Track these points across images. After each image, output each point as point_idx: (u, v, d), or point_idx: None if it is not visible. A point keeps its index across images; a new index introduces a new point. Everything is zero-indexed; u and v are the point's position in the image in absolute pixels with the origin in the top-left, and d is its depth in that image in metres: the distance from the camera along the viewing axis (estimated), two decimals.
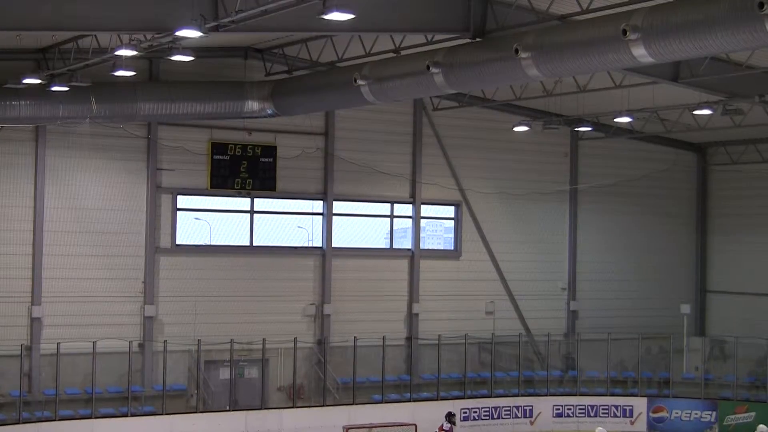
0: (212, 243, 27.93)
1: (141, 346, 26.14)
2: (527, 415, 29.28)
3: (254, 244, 28.13)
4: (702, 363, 31.85)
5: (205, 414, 25.56)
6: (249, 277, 27.77)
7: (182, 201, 27.24)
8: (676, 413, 29.73)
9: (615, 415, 29.73)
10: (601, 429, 21.88)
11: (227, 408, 26.00)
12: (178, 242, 27.07)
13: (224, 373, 26.69)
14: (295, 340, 26.93)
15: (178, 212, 27.16)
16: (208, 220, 27.93)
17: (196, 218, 27.72)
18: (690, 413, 29.78)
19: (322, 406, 27.12)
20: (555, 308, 32.58)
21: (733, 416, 29.54)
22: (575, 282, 32.90)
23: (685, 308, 32.62)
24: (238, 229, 27.98)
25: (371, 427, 24.42)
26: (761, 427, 22.97)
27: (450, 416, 23.59)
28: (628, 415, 29.69)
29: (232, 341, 26.17)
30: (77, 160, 25.90)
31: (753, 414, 29.33)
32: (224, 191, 27.39)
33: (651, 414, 29.74)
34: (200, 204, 27.76)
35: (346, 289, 28.90)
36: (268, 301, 27.72)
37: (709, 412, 29.68)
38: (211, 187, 27.19)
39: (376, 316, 28.92)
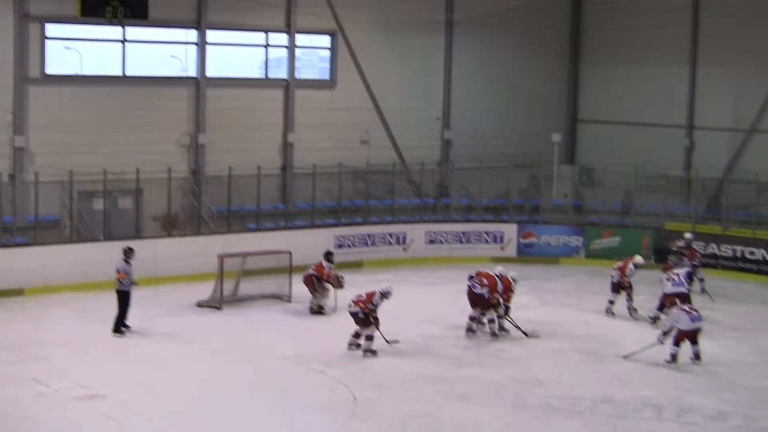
0: (84, 73, 27.39)
1: (11, 177, 25.79)
2: (400, 242, 29.84)
3: (127, 74, 27.60)
4: (571, 190, 32.68)
5: (78, 244, 25.49)
6: (122, 107, 27.32)
7: (51, 30, 26.44)
8: (545, 238, 30.59)
9: (486, 242, 30.47)
10: (501, 268, 22.26)
11: (101, 238, 25.92)
12: (47, 72, 26.43)
13: (98, 204, 26.53)
14: (170, 171, 26.77)
15: (47, 41, 26.42)
16: (79, 50, 27.34)
17: (67, 47, 27.09)
18: (558, 238, 30.67)
19: (197, 235, 27.20)
20: (429, 137, 32.89)
21: (599, 241, 30.51)
22: (450, 111, 33.19)
23: (556, 137, 33.21)
24: (111, 58, 27.40)
25: (246, 255, 24.56)
26: (638, 258, 23.77)
27: (328, 255, 23.78)
28: (498, 241, 30.43)
29: (105, 172, 25.95)
30: None
31: (618, 239, 30.34)
32: (95, 19, 26.59)
33: (521, 240, 30.52)
34: (70, 33, 27.02)
35: (221, 119, 28.68)
36: (142, 132, 27.38)
37: (577, 237, 30.60)
38: (82, 15, 26.38)
39: (251, 146, 28.84)
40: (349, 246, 28.77)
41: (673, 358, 19.78)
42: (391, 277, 27.20)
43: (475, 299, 21.69)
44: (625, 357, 20.19)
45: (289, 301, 24.22)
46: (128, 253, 21.37)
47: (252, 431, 16.00)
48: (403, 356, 20.03)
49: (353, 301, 20.25)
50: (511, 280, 22.07)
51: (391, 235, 29.72)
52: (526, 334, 21.81)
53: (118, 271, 21.10)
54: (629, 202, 31.19)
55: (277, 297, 24.44)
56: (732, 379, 19.16)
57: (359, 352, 20.03)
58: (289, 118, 30.01)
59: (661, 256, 28.83)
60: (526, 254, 30.28)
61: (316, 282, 23.39)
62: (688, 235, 26.45)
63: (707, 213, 31.14)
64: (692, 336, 19.81)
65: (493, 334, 21.57)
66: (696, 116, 32.73)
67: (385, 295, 20.24)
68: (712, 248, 28.89)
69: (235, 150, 28.45)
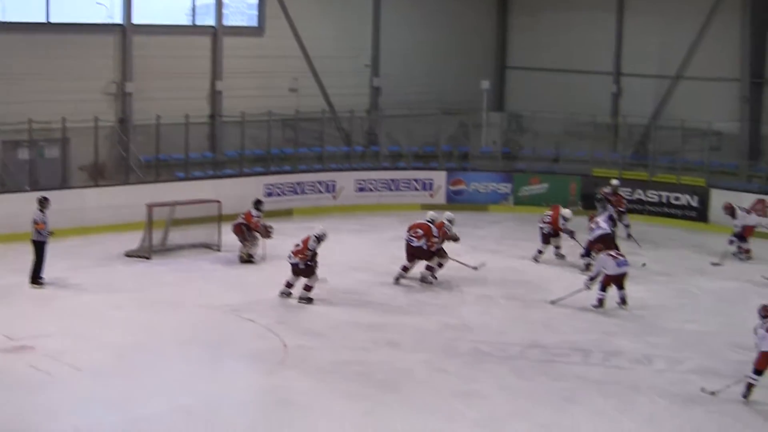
0: (6, 20, 26.88)
1: None
2: (330, 190, 29.80)
3: (51, 20, 27.14)
4: (499, 137, 32.86)
5: (4, 195, 25.06)
6: (46, 55, 26.81)
7: None
8: (474, 185, 30.74)
9: (415, 189, 30.55)
10: (433, 213, 22.32)
11: (27, 188, 25.55)
12: None
13: (23, 154, 26.16)
14: (96, 120, 26.44)
15: None
16: None
17: None
18: (487, 185, 30.83)
19: (125, 184, 26.94)
20: (358, 85, 32.77)
21: (527, 187, 30.74)
22: (378, 59, 33.09)
23: (485, 84, 33.30)
24: (34, 5, 26.91)
25: (175, 204, 24.40)
26: (565, 211, 23.93)
27: (258, 203, 23.70)
28: (427, 188, 30.52)
29: (30, 121, 25.56)
30: None
31: (546, 185, 30.59)
32: None
33: (450, 187, 30.65)
34: None
35: (148, 67, 28.27)
36: (67, 81, 26.86)
37: (506, 184, 30.79)
38: None
39: (178, 95, 28.46)
40: (278, 194, 28.70)
41: (600, 302, 20.06)
42: (321, 224, 27.34)
43: (413, 252, 21.75)
44: (553, 302, 20.44)
45: (219, 250, 24.14)
46: (44, 202, 20.91)
47: (182, 380, 15.95)
48: (333, 304, 20.10)
49: (292, 252, 20.16)
50: (445, 224, 22.15)
51: (320, 182, 29.68)
52: (475, 267, 22.13)
53: (36, 222, 20.64)
54: (557, 149, 31.41)
55: (206, 246, 24.35)
56: (657, 322, 19.50)
57: (291, 301, 20.03)
58: (217, 65, 29.73)
59: (589, 203, 29.16)
60: (456, 201, 30.40)
61: (246, 231, 23.33)
62: (614, 182, 26.76)
63: (634, 159, 31.45)
64: (618, 281, 20.09)
65: (423, 280, 21.71)
66: (623, 63, 32.98)
67: (320, 238, 20.16)
68: (639, 194, 29.26)
69: (163, 98, 28.05)
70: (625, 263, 20.15)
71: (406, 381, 16.03)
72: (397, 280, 21.76)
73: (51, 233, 20.85)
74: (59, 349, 16.94)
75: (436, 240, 21.73)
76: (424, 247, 21.59)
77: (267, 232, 23.34)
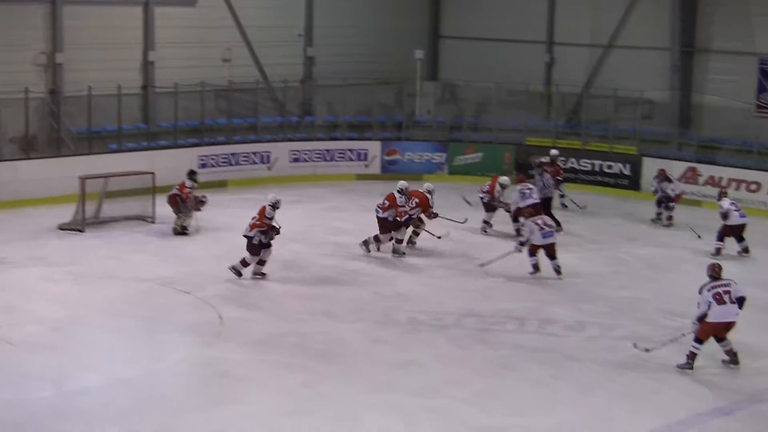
0: None
1: None
2: (265, 161, 29.70)
3: None
4: (434, 107, 32.92)
5: None
6: None
7: None
8: (409, 155, 30.80)
9: (350, 159, 30.55)
10: (403, 183, 22.24)
11: None
12: None
13: None
14: (27, 91, 26.09)
15: None
16: None
17: None
18: (422, 155, 30.91)
19: (57, 156, 26.67)
20: (292, 55, 32.61)
21: (461, 157, 30.86)
22: (312, 28, 32.92)
23: (419, 53, 33.33)
24: None
25: (108, 176, 24.18)
26: (502, 178, 24.03)
27: (192, 174, 23.56)
28: (362, 158, 30.53)
29: None
30: None
31: (480, 154, 30.74)
32: None
33: (385, 157, 30.68)
34: None
35: (79, 37, 27.87)
36: None
37: (440, 154, 30.89)
38: None
39: (110, 65, 28.11)
40: (213, 165, 28.55)
41: (535, 268, 20.27)
42: (256, 196, 27.15)
43: (380, 224, 21.77)
44: (482, 265, 20.60)
45: (153, 222, 23.99)
46: None
47: (118, 354, 15.84)
48: (270, 275, 20.05)
49: (250, 225, 19.70)
50: (425, 194, 22.41)
51: (254, 153, 29.54)
52: (439, 237, 22.39)
53: None
54: (491, 118, 31.52)
55: (140, 218, 24.18)
56: (590, 290, 19.70)
57: (228, 273, 19.89)
58: (149, 36, 29.36)
59: (523, 171, 29.31)
60: (390, 171, 30.42)
61: (180, 202, 23.19)
62: (553, 152, 26.88)
63: (567, 128, 31.72)
64: (547, 251, 20.26)
65: (395, 252, 21.79)
66: (556, 32, 33.17)
67: (274, 205, 19.79)
68: (572, 162, 29.50)
69: (95, 69, 27.70)
70: (551, 234, 20.29)
71: (344, 351, 16.07)
72: (365, 245, 21.85)
73: None
74: None
75: (404, 210, 21.73)
76: (390, 218, 21.59)
77: (197, 204, 23.19)
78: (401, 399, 14.17)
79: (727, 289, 15.22)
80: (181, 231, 23.14)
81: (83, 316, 17.47)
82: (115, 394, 14.21)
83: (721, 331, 15.31)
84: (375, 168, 30.52)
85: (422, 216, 22.25)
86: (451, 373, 15.27)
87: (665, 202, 25.06)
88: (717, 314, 15.12)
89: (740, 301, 15.22)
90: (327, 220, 24.60)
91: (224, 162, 28.85)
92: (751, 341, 16.34)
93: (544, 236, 20.19)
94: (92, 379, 14.70)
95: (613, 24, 31.52)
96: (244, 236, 19.60)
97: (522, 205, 22.94)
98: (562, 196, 26.42)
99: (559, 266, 20.29)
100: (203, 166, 27.99)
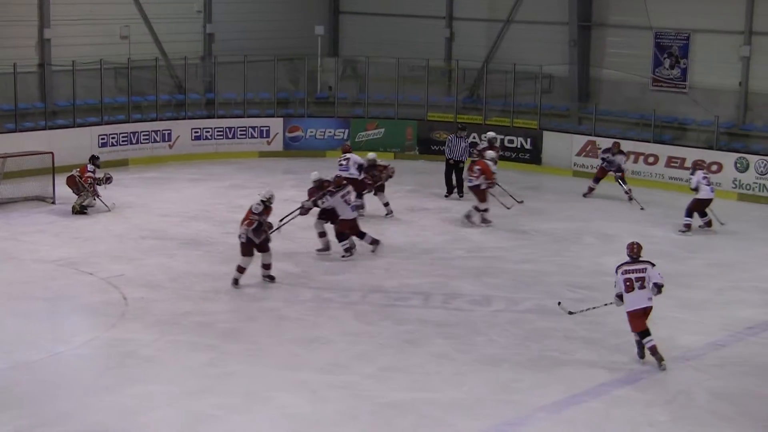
0: None
1: None
2: (166, 139, 29.40)
3: None
4: (335, 83, 32.89)
5: None
6: None
7: None
8: (311, 132, 30.74)
9: (252, 136, 30.40)
10: (373, 154, 22.59)
11: None
12: None
13: None
14: None
15: None
16: None
17: None
18: (324, 131, 30.88)
19: None
20: (191, 31, 32.37)
21: (364, 133, 30.89)
22: (211, 4, 32.66)
23: (320, 29, 33.28)
24: None
25: (6, 156, 23.79)
26: (370, 154, 23.96)
27: (94, 159, 23.28)
28: (265, 135, 30.41)
29: None
30: None
31: (382, 130, 30.82)
32: None
33: (287, 134, 30.59)
34: None
35: None
36: None
37: (342, 130, 30.87)
38: None
39: (5, 43, 27.64)
40: (113, 144, 28.20)
41: (349, 251, 20.07)
42: (158, 174, 27.17)
43: (475, 192, 22.69)
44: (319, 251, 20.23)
45: (53, 202, 23.64)
46: None
47: (20, 337, 15.62)
48: (172, 255, 19.93)
49: (241, 225, 18.00)
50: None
51: (155, 132, 29.23)
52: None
53: None
54: (392, 94, 31.59)
55: (40, 199, 23.82)
56: (495, 264, 19.88)
57: (128, 252, 19.71)
58: (44, 12, 28.84)
59: (425, 147, 29.58)
60: (293, 148, 30.40)
61: (79, 182, 22.92)
62: (491, 134, 26.16)
63: (468, 103, 31.95)
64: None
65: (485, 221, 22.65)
66: (455, 7, 33.35)
67: (267, 201, 17.93)
68: (474, 137, 29.61)
69: None
70: (355, 209, 20.18)
71: (249, 330, 16.05)
72: (468, 218, 22.69)
73: None
74: None
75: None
76: (482, 186, 22.52)
77: (95, 188, 22.92)
78: (308, 376, 14.20)
79: (640, 275, 14.61)
80: (80, 210, 22.83)
81: None
82: (18, 378, 14.01)
83: (644, 318, 14.75)
84: (277, 145, 30.43)
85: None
86: (357, 348, 15.31)
87: (619, 174, 25.12)
88: (628, 302, 14.72)
89: (657, 287, 14.63)
90: (230, 198, 24.44)
91: (125, 141, 28.50)
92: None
93: (352, 211, 19.95)
94: None
95: None
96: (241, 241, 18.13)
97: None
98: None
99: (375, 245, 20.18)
100: (103, 145, 27.67)
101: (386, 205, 23.53)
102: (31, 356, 14.76)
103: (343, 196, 19.69)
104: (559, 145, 28.54)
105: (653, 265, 14.75)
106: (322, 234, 20.18)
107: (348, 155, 23.16)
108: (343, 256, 19.70)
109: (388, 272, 19.19)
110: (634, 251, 14.87)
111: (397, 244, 20.98)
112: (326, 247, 20.20)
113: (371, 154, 23.75)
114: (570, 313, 15.95)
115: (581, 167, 27.99)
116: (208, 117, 30.47)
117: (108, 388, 13.71)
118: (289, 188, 24.25)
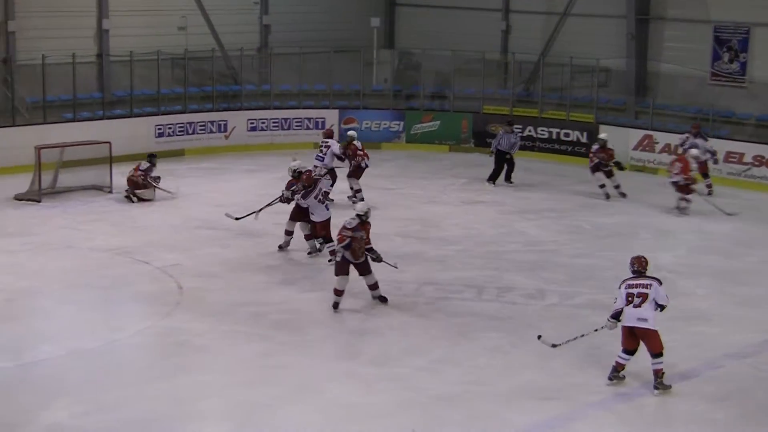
0: None
1: None
2: (222, 130, 29.59)
3: None
4: (391, 75, 32.90)
5: None
6: None
7: None
8: (366, 124, 30.76)
9: (308, 127, 30.50)
10: (353, 133, 23.10)
11: None
12: None
13: None
14: None
15: None
16: None
17: None
18: (380, 123, 30.90)
19: (12, 126, 26.39)
20: (248, 23, 32.54)
21: (419, 125, 30.88)
22: None
23: (375, 21, 33.29)
24: None
25: (64, 146, 24.03)
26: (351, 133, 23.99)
27: (151, 157, 23.54)
28: (320, 127, 30.41)
29: None
30: None
31: (437, 123, 30.79)
32: None
33: (342, 125, 30.61)
34: None
35: (32, 4, 27.69)
36: None
37: (398, 122, 30.89)
38: None
39: (64, 33, 27.96)
40: (169, 135, 28.43)
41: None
42: (213, 165, 27.32)
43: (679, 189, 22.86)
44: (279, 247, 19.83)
45: (110, 191, 23.86)
46: None
47: (75, 324, 15.82)
48: (227, 245, 20.04)
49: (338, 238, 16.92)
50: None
51: (212, 122, 29.44)
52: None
53: None
54: (448, 87, 31.55)
55: (97, 188, 24.05)
56: (549, 258, 19.78)
57: (185, 242, 19.81)
58: (103, 3, 29.14)
59: (480, 140, 29.49)
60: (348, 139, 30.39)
61: (138, 181, 23.28)
62: (603, 136, 25.44)
63: (523, 96, 31.82)
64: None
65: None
66: (512, 0, 33.20)
67: (362, 215, 16.53)
68: (529, 131, 29.57)
69: (48, 37, 27.50)
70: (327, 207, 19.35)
71: (303, 321, 16.08)
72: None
73: None
74: None
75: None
76: (681, 182, 22.78)
77: (149, 183, 23.21)
78: (361, 368, 14.23)
79: (643, 290, 13.55)
80: (133, 196, 23.10)
81: (40, 287, 17.38)
82: (73, 365, 14.17)
83: (644, 344, 13.67)
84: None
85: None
86: (409, 341, 15.31)
87: (711, 155, 24.76)
88: (626, 317, 13.67)
89: (660, 308, 13.59)
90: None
91: (181, 131, 28.71)
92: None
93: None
94: (50, 350, 14.62)
95: None
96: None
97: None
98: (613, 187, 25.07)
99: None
100: (160, 135, 27.93)
101: (358, 191, 23.20)
102: (87, 344, 14.91)
103: (316, 196, 18.98)
104: (615, 139, 28.19)
105: (660, 282, 13.65)
106: (289, 233, 19.81)
107: (329, 141, 23.24)
108: (329, 261, 17.75)
109: (442, 265, 19.18)
110: (642, 265, 13.88)
111: (452, 236, 20.96)
112: (286, 244, 19.83)
113: (351, 132, 23.95)
114: (553, 346, 14.41)
115: (638, 161, 27.78)
116: (264, 108, 30.58)
117: (161, 376, 13.82)
118: (345, 179, 24.22)
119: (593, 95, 29.80)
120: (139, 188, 23.23)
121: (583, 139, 28.97)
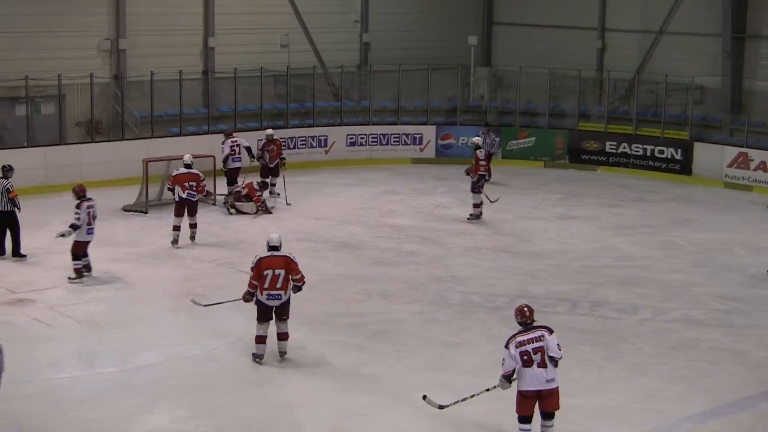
0: None
1: None
2: (322, 145, 30.26)
3: None
4: (487, 92, 33.25)
5: (2, 151, 25.23)
6: (41, 12, 27.08)
7: None
8: (463, 139, 31.11)
9: (405, 143, 31.01)
10: (271, 131, 24.08)
11: (25, 144, 25.89)
12: None
13: (20, 110, 26.38)
14: (92, 76, 26.64)
15: None
16: None
17: None
18: None
19: (121, 140, 27.32)
20: (348, 41, 33.23)
21: (515, 141, 31.18)
22: (368, 14, 33.44)
23: (473, 40, 33.62)
24: None
25: (170, 159, 24.72)
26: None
27: (263, 184, 24.44)
28: (417, 142, 30.97)
29: (26, 77, 25.66)
30: None
31: (533, 139, 31.08)
32: None
33: (439, 141, 31.08)
34: None
35: (141, 23, 28.67)
36: (62, 37, 27.20)
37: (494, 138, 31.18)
38: None
39: (172, 51, 28.89)
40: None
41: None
42: (313, 179, 27.85)
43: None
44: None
45: (214, 203, 24.52)
46: (8, 170, 19.90)
47: (177, 331, 16.31)
48: (325, 257, 20.49)
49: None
50: None
51: (312, 137, 30.09)
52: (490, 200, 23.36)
53: (9, 191, 19.73)
54: (543, 104, 31.81)
55: (201, 200, 24.67)
56: (642, 273, 19.93)
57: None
58: (209, 22, 30.01)
59: (575, 156, 29.72)
60: (444, 155, 30.88)
61: (244, 198, 23.94)
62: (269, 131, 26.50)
63: (618, 113, 31.93)
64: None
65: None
66: (607, 18, 33.40)
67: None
68: (624, 147, 29.72)
69: (157, 55, 28.47)
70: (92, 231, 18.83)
71: (399, 332, 16.39)
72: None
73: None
74: (59, 302, 17.32)
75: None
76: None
77: (264, 206, 24.01)
78: (454, 378, 14.47)
79: (537, 345, 12.02)
80: (233, 208, 23.80)
81: (144, 295, 17.96)
82: (175, 371, 14.61)
83: (538, 403, 12.15)
84: (430, 152, 30.98)
85: None
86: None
87: None
88: (526, 380, 12.03)
89: (553, 361, 12.07)
90: (382, 203, 25.02)
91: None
92: None
93: (88, 233, 18.69)
94: (153, 356, 15.12)
95: (664, 10, 31.73)
96: None
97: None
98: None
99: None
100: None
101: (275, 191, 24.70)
102: (187, 351, 15.38)
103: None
104: (710, 157, 28.37)
105: (551, 331, 12.24)
106: (176, 228, 21.00)
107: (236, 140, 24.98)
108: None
109: (535, 279, 19.43)
110: (526, 316, 12.25)
111: (545, 251, 21.26)
112: (175, 240, 20.91)
113: (269, 130, 25.10)
114: (441, 407, 13.02)
115: (732, 179, 27.80)
116: (363, 124, 31.15)
117: (258, 383, 14.20)
118: (440, 194, 24.67)
119: (688, 113, 29.84)
120: (240, 200, 23.87)
121: (678, 156, 29.04)
